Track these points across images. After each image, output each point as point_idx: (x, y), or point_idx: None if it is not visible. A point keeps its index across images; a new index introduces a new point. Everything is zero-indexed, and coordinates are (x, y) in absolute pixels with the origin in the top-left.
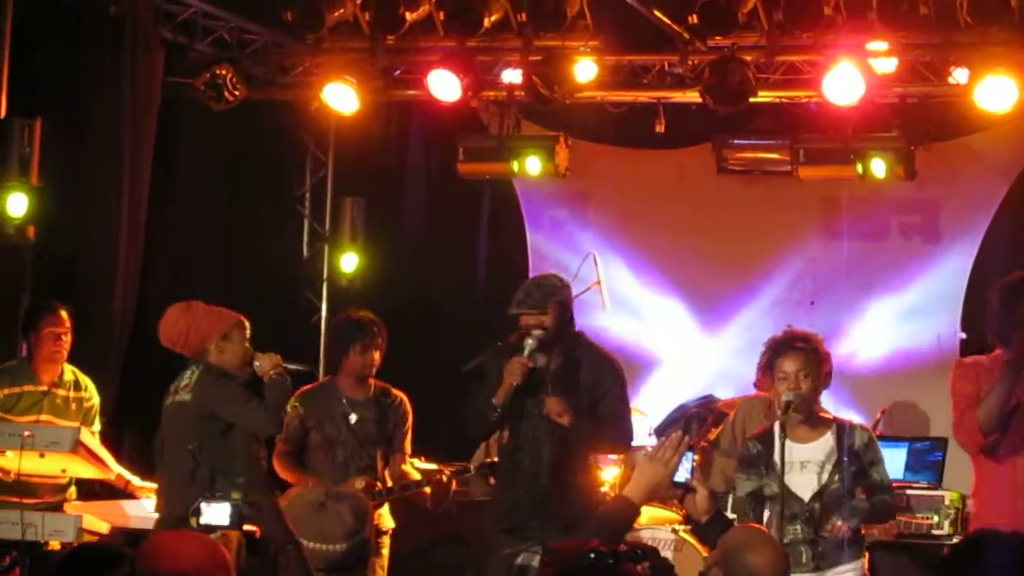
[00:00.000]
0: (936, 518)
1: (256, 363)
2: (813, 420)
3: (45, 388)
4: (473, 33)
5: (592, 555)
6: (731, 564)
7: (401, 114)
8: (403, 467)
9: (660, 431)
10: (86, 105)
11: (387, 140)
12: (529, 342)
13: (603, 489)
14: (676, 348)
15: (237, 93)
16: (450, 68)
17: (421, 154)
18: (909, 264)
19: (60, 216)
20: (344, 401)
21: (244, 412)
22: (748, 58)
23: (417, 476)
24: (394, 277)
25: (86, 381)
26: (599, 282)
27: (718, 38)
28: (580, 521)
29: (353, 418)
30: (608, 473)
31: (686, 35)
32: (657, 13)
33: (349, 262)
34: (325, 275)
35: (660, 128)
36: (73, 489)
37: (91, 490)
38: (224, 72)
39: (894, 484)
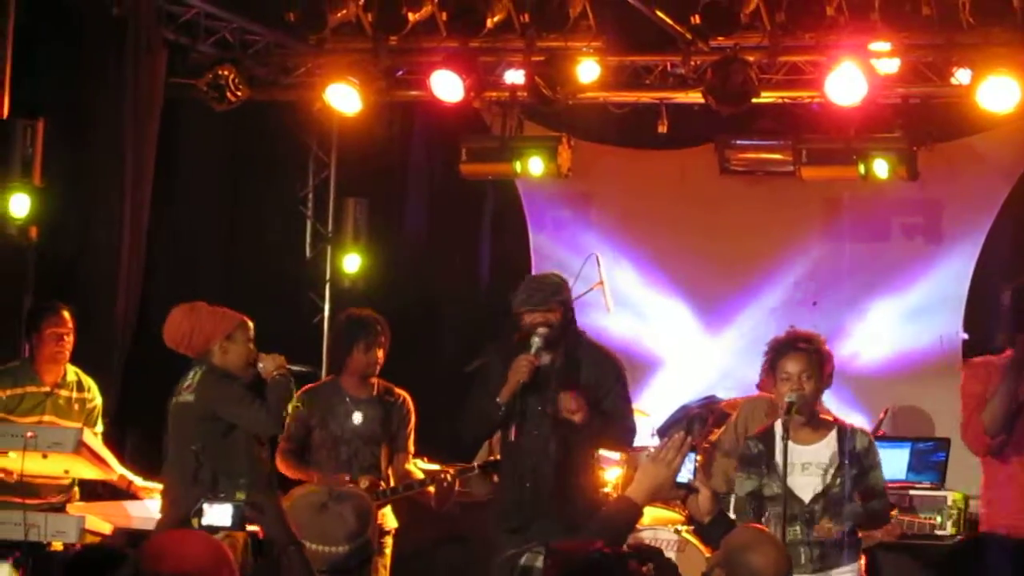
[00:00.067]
0: (939, 518)
1: (260, 364)
2: (815, 422)
3: (48, 389)
4: (476, 34)
5: (597, 556)
6: (734, 565)
7: (404, 115)
8: (407, 466)
9: (662, 432)
10: (88, 106)
11: (390, 141)
12: (535, 340)
13: (605, 490)
14: (678, 348)
15: (239, 94)
16: (453, 69)
17: (424, 155)
18: (911, 264)
19: (62, 217)
20: (348, 400)
21: (246, 413)
22: (750, 58)
23: (420, 475)
24: (397, 278)
25: (89, 382)
26: (601, 283)
27: (720, 38)
28: (583, 521)
29: (357, 417)
30: (611, 474)
31: (688, 35)
32: (660, 14)
33: (352, 263)
34: (328, 276)
35: (663, 128)
36: (76, 490)
37: (94, 491)
38: (226, 73)
39: (897, 484)
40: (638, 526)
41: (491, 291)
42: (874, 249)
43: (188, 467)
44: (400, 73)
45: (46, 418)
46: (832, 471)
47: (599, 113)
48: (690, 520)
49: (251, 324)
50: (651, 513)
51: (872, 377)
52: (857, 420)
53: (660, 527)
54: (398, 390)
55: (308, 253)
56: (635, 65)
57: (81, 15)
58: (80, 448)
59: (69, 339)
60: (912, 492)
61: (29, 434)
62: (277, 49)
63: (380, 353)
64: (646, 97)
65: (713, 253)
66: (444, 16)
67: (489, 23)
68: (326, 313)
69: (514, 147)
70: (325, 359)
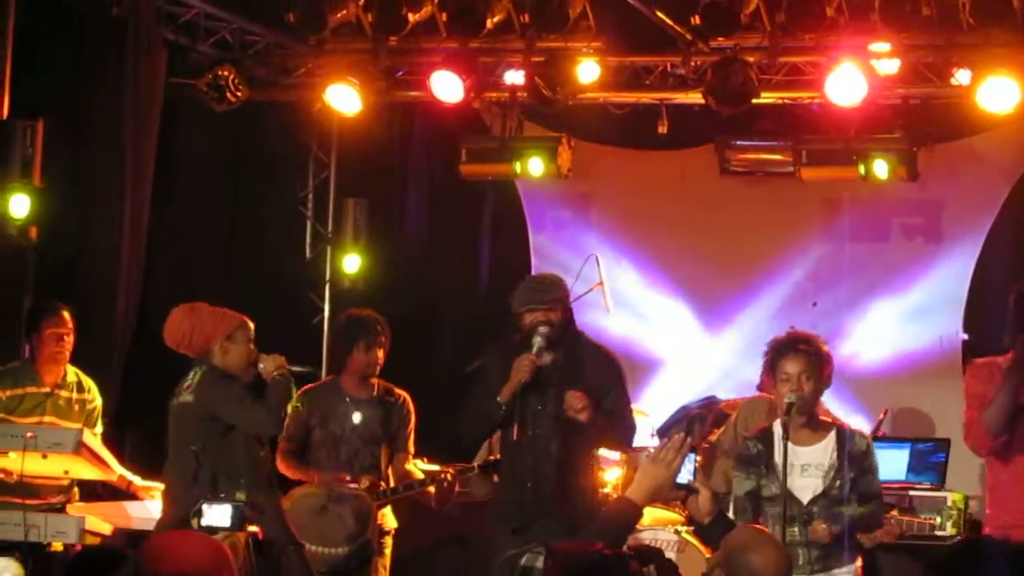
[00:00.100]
0: (939, 519)
1: (261, 365)
2: (814, 423)
3: (48, 390)
4: (476, 34)
5: (597, 557)
6: (733, 565)
7: (403, 115)
8: (407, 466)
9: (662, 432)
10: (88, 106)
11: (389, 141)
12: (537, 340)
13: (605, 490)
14: (678, 349)
15: (239, 94)
16: (452, 69)
17: (423, 155)
18: (911, 265)
19: (62, 217)
20: (348, 400)
21: (245, 413)
22: (750, 59)
23: (420, 476)
24: (396, 278)
25: (89, 383)
26: (601, 283)
27: (720, 39)
28: (583, 522)
29: (357, 417)
30: (610, 474)
31: (689, 36)
32: (660, 14)
33: (351, 263)
34: (327, 276)
35: (663, 129)
36: (76, 490)
37: (93, 491)
38: (226, 73)
39: (897, 485)
40: (638, 527)
41: (491, 292)
42: (874, 249)
43: (188, 467)
44: (400, 73)
45: (46, 419)
46: (831, 473)
47: (599, 114)
48: (690, 521)
49: (251, 324)
50: (651, 514)
51: (872, 377)
52: (857, 420)
53: (660, 528)
54: (398, 390)
55: (308, 253)
56: (635, 66)
57: (81, 15)
58: (80, 449)
59: (69, 340)
60: (912, 493)
61: (29, 434)
62: (277, 49)
63: (380, 353)
64: (646, 98)
65: (713, 254)
66: (444, 16)
67: (489, 23)
68: (326, 313)
69: (514, 147)
70: (325, 359)
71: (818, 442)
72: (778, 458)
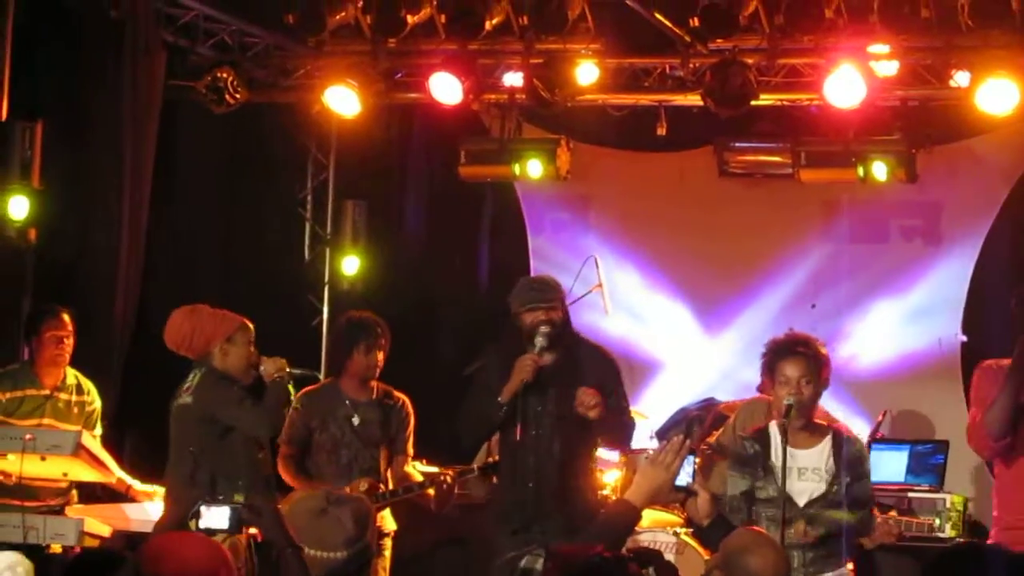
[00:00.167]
0: (938, 521)
1: (261, 367)
2: (811, 426)
3: (47, 392)
4: (474, 36)
5: (597, 560)
6: (732, 567)
7: (402, 117)
8: (406, 469)
9: (661, 434)
10: (87, 108)
11: (388, 143)
12: (539, 339)
13: (604, 492)
14: (677, 350)
15: (238, 96)
16: (451, 71)
17: (422, 157)
18: (910, 267)
19: (61, 219)
20: (347, 403)
21: (243, 415)
22: (749, 61)
23: (420, 478)
24: (395, 280)
25: (88, 385)
26: (600, 285)
27: (719, 41)
28: (582, 522)
29: (356, 420)
30: (609, 476)
31: (687, 38)
32: (658, 16)
33: (350, 265)
34: (326, 278)
35: (661, 131)
36: (74, 492)
37: (92, 493)
38: (225, 75)
39: (896, 486)
40: (637, 529)
41: (490, 293)
42: (873, 251)
43: (187, 469)
44: (399, 75)
45: (45, 421)
46: (828, 477)
47: (598, 115)
48: (689, 523)
49: (252, 326)
50: (650, 516)
51: (871, 379)
52: (856, 422)
53: (659, 530)
54: (397, 393)
55: (307, 255)
56: (634, 67)
57: (80, 17)
58: (79, 451)
59: (69, 342)
60: (911, 494)
61: (28, 437)
62: (276, 51)
63: (380, 356)
64: (645, 99)
65: (712, 255)
66: (443, 18)
67: (488, 25)
68: (325, 315)
69: (513, 149)
70: (324, 361)
71: (815, 445)
72: (775, 460)
